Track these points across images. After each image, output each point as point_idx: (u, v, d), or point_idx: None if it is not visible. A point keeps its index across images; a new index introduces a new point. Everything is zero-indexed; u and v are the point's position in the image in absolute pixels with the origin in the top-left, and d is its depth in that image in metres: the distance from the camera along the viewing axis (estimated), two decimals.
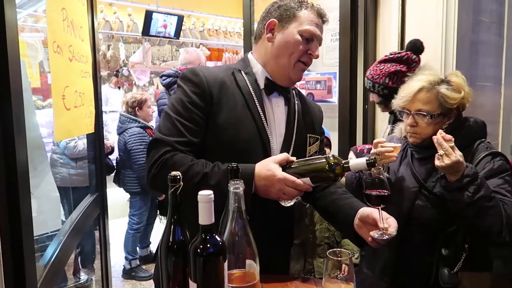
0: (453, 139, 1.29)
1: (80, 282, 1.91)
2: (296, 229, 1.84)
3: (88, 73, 1.77)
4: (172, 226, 0.79)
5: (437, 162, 1.29)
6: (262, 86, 1.26)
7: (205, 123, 1.18)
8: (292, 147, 1.26)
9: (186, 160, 1.11)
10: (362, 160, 1.04)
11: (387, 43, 2.35)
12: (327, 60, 2.74)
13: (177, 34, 5.06)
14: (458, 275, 1.36)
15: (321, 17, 1.25)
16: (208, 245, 0.73)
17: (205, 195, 0.73)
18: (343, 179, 1.63)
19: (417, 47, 1.93)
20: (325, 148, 1.86)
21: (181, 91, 1.20)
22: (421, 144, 1.47)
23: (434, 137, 1.30)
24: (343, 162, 1.06)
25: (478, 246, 1.38)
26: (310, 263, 1.90)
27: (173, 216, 0.79)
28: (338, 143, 2.40)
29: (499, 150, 1.68)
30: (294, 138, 1.27)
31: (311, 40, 1.23)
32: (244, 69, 1.28)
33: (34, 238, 1.32)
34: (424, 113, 1.41)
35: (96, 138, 1.91)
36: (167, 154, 1.11)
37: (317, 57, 1.26)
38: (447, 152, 1.26)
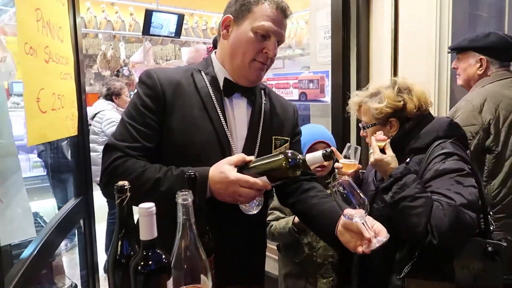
0: (387, 139, 1.43)
1: (63, 287, 1.88)
2: (296, 247, 1.79)
3: (69, 75, 1.74)
4: (120, 240, 0.75)
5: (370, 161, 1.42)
6: (221, 87, 1.20)
7: (159, 127, 1.13)
8: (256, 150, 1.20)
9: (138, 165, 1.06)
10: (319, 154, 0.98)
11: (380, 40, 2.28)
12: (320, 59, 2.67)
13: (178, 33, 5.03)
14: (405, 281, 1.32)
15: (282, 11, 1.16)
16: (150, 262, 0.68)
17: (145, 208, 0.68)
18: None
19: None
20: (332, 148, 1.79)
21: (136, 95, 1.16)
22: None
23: (371, 137, 1.46)
24: (299, 157, 1.00)
25: (429, 252, 1.33)
26: (312, 284, 1.80)
27: (121, 229, 0.75)
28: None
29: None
30: (258, 141, 1.21)
31: (267, 37, 1.14)
32: (205, 69, 1.22)
33: (4, 246, 1.30)
34: (364, 125, 1.57)
35: (79, 140, 1.88)
36: (118, 160, 1.07)
37: (273, 56, 1.17)
38: (374, 150, 1.41)
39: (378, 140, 1.43)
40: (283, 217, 1.79)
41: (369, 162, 1.42)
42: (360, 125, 1.56)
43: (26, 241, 1.46)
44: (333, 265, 1.78)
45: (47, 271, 1.82)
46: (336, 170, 1.57)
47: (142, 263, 0.68)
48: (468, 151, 1.51)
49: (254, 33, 1.13)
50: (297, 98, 2.81)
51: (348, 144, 1.58)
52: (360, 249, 1.00)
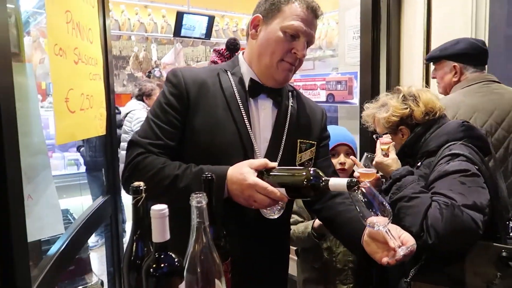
0: (391, 142, 1.50)
1: (90, 284, 1.93)
2: (315, 251, 1.75)
3: (98, 75, 1.78)
4: (135, 241, 0.75)
5: None
6: (247, 87, 1.18)
7: (182, 126, 1.12)
8: (280, 153, 1.17)
9: (158, 162, 1.06)
10: (343, 181, 0.90)
11: (412, 40, 2.20)
12: (349, 59, 2.61)
13: (208, 34, 5.08)
14: (411, 284, 1.29)
15: (313, 11, 1.12)
16: (162, 265, 0.67)
17: (157, 210, 0.68)
18: None
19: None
20: (345, 158, 1.74)
21: (161, 93, 1.16)
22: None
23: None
24: (323, 179, 0.94)
25: (437, 256, 1.29)
26: None
27: (136, 230, 0.75)
28: (360, 147, 2.28)
29: None
30: (283, 144, 1.18)
31: (296, 37, 1.11)
32: (231, 69, 1.21)
33: (33, 242, 1.34)
34: (376, 135, 1.61)
35: (107, 139, 1.92)
36: (139, 156, 1.08)
37: (302, 56, 1.14)
38: (376, 153, 1.48)
39: (382, 143, 1.50)
40: (302, 221, 1.75)
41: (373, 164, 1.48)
42: (374, 136, 1.60)
43: (55, 237, 1.50)
44: (353, 270, 1.73)
45: (75, 267, 1.88)
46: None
47: (154, 266, 0.68)
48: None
49: (283, 33, 1.11)
50: (324, 99, 2.76)
51: (365, 154, 1.55)
52: (385, 260, 0.96)
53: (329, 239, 1.72)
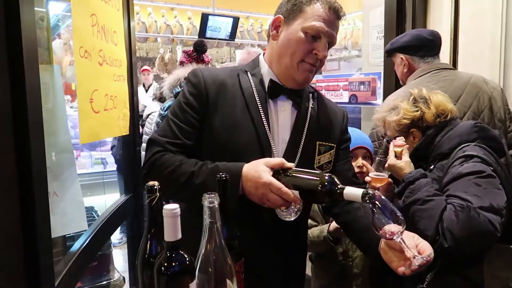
0: (405, 145, 1.47)
1: (112, 280, 1.98)
2: (330, 256, 1.72)
3: (122, 77, 1.82)
4: (149, 239, 0.76)
5: None
6: (267, 88, 1.18)
7: (201, 125, 1.13)
8: (298, 155, 1.16)
9: (175, 159, 1.08)
10: (358, 192, 0.88)
11: None
12: (373, 60, 2.57)
13: (232, 36, 5.11)
14: None
15: (335, 12, 1.11)
16: (173, 263, 0.68)
17: (170, 209, 0.68)
18: None
19: None
20: (362, 161, 1.71)
21: (181, 93, 1.18)
22: None
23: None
24: (339, 186, 0.92)
25: (454, 261, 1.26)
26: None
27: (150, 228, 0.76)
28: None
29: None
30: (301, 145, 1.17)
31: (317, 38, 1.10)
32: (252, 70, 1.21)
33: (58, 238, 1.38)
34: (387, 139, 1.57)
35: (130, 139, 1.96)
36: (157, 154, 1.10)
37: (323, 57, 1.12)
38: (389, 155, 1.45)
39: (396, 146, 1.47)
40: (316, 225, 1.73)
41: (386, 167, 1.46)
42: (385, 140, 1.57)
43: (79, 234, 1.55)
44: (371, 275, 1.69)
45: (97, 263, 1.93)
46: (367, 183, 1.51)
47: (165, 264, 0.69)
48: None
49: (304, 33, 1.10)
50: (347, 100, 2.72)
51: (377, 158, 1.51)
52: (401, 270, 0.93)
53: (345, 243, 1.69)
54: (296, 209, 1.01)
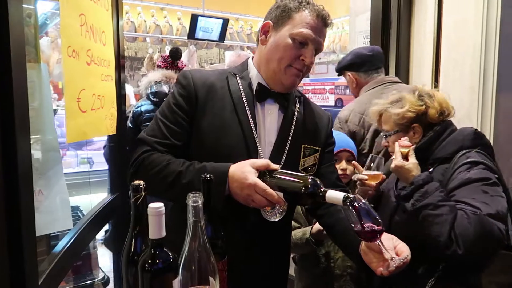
0: (411, 146, 1.40)
1: (96, 279, 1.98)
2: (313, 258, 1.75)
3: (110, 77, 1.82)
4: (134, 237, 0.78)
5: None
6: (255, 92, 1.21)
7: (189, 126, 1.15)
8: (284, 157, 1.19)
9: (163, 159, 1.10)
10: (340, 195, 0.91)
11: (422, 46, 2.20)
12: None
13: (222, 37, 5.12)
14: None
15: (323, 19, 1.15)
16: (157, 260, 0.70)
17: (154, 208, 0.70)
18: None
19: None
20: (347, 164, 1.74)
21: (171, 94, 1.20)
22: None
23: (395, 142, 1.42)
24: (321, 189, 0.94)
25: (455, 265, 1.27)
26: None
27: (135, 227, 0.78)
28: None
29: None
30: (287, 148, 1.20)
31: (305, 44, 1.14)
32: (240, 73, 1.24)
33: (42, 236, 1.38)
34: (385, 133, 1.54)
35: (117, 139, 1.97)
36: (146, 153, 1.12)
37: (310, 63, 1.16)
38: (395, 156, 1.38)
39: (401, 146, 1.41)
40: (298, 227, 1.75)
41: (390, 168, 1.39)
42: (381, 134, 1.55)
43: (64, 233, 1.55)
44: (352, 276, 1.73)
45: (82, 262, 1.93)
46: (357, 182, 1.53)
47: (149, 261, 0.70)
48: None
49: (292, 40, 1.13)
50: (333, 104, 2.77)
51: (371, 155, 1.54)
52: (379, 271, 0.97)
53: (327, 245, 1.72)
54: (281, 210, 1.04)
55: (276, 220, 1.06)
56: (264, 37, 1.20)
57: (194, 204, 0.75)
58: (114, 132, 1.85)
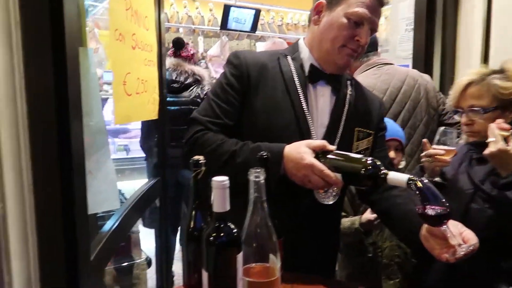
0: (511, 129, 1.20)
1: (138, 260, 2.02)
2: (359, 247, 1.70)
3: (152, 62, 1.85)
4: (194, 212, 0.78)
5: (485, 151, 1.18)
6: (307, 73, 1.19)
7: (241, 106, 1.15)
8: (337, 140, 1.17)
9: (216, 138, 1.10)
10: (404, 177, 0.87)
11: (469, 35, 2.09)
12: (400, 52, 2.54)
13: (254, 28, 5.10)
14: None
15: None
16: (221, 234, 0.70)
17: (219, 181, 0.70)
18: None
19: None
20: (395, 153, 1.68)
21: (222, 74, 1.20)
22: (480, 142, 1.30)
23: (489, 124, 1.21)
24: (383, 171, 0.91)
25: None
26: (377, 286, 1.70)
27: (194, 201, 0.78)
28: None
29: None
30: (340, 131, 1.18)
31: (360, 24, 1.11)
32: (292, 54, 1.22)
33: (94, 215, 1.42)
34: (477, 109, 1.31)
35: (159, 124, 2.00)
36: (199, 133, 1.12)
37: (365, 44, 1.13)
38: (496, 139, 1.17)
39: (501, 128, 1.21)
40: (345, 216, 1.72)
41: (486, 152, 1.19)
42: (475, 109, 1.32)
43: (109, 214, 1.59)
44: (399, 265, 1.69)
45: (125, 244, 1.97)
46: (428, 158, 1.38)
47: (214, 235, 0.70)
48: None
49: (347, 19, 1.11)
50: None
51: (441, 128, 1.39)
52: (444, 257, 0.93)
53: (374, 234, 1.69)
54: (334, 193, 1.03)
55: (330, 203, 1.05)
56: (317, 17, 1.17)
57: (256, 180, 0.74)
58: (156, 117, 1.88)
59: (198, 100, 2.96)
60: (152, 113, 1.84)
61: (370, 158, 0.95)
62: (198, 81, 3.07)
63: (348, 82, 1.25)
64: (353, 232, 1.62)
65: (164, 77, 2.01)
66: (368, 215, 1.58)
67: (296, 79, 1.17)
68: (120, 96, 1.47)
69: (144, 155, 3.22)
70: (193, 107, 2.92)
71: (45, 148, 1.04)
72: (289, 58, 1.21)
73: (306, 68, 1.19)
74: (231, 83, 1.16)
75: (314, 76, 1.19)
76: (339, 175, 0.97)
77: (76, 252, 1.13)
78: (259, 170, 0.75)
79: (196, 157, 0.78)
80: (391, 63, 2.06)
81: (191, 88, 3.02)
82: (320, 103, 1.19)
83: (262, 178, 0.75)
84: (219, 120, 1.14)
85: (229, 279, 0.70)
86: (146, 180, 2.03)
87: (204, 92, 3.02)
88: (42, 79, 1.02)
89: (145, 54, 1.75)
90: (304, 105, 1.15)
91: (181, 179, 2.86)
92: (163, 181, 1.98)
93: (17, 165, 0.89)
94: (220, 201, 0.70)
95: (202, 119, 1.14)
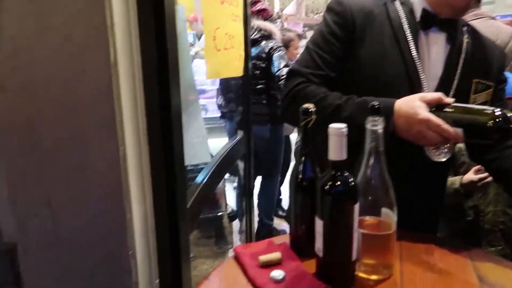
0: None
1: (225, 213, 2.12)
2: (458, 210, 1.61)
3: (238, 17, 1.82)
4: (302, 161, 0.76)
5: None
6: (418, 18, 1.08)
7: (344, 57, 1.08)
8: (451, 93, 1.06)
9: (319, 91, 1.05)
10: None
11: None
12: (510, 1, 2.24)
13: None
14: None
15: None
16: (338, 183, 0.67)
17: (337, 128, 0.67)
18: None
19: None
20: None
21: (323, 23, 1.13)
22: None
23: None
24: None
25: None
26: None
27: (303, 150, 0.76)
28: None
29: None
30: (455, 82, 1.07)
31: None
32: None
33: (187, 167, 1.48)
34: None
35: (244, 80, 2.00)
36: (300, 85, 1.07)
37: None
38: None
39: None
40: None
41: None
42: None
43: (197, 168, 1.65)
44: (504, 232, 1.56)
45: (214, 196, 2.07)
46: None
47: (330, 183, 0.68)
48: None
49: None
50: None
51: None
52: None
53: (476, 197, 1.57)
54: (445, 150, 0.95)
55: (442, 160, 0.97)
56: None
57: (374, 128, 0.70)
58: (242, 74, 1.87)
59: (263, 55, 2.93)
60: (238, 69, 1.84)
61: (498, 109, 0.85)
62: (265, 37, 3.01)
63: (464, 29, 1.12)
64: (452, 192, 1.52)
65: (249, 33, 1.98)
66: (472, 175, 1.47)
67: (405, 26, 1.07)
68: (211, 51, 1.48)
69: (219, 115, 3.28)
70: (258, 62, 2.92)
71: (148, 100, 1.09)
72: (397, 2, 1.10)
73: (417, 13, 1.08)
74: (334, 32, 1.08)
75: (427, 22, 1.07)
76: (459, 130, 0.88)
77: (175, 200, 1.19)
78: (377, 118, 0.70)
79: (306, 105, 0.75)
80: (493, 17, 1.96)
81: (258, 43, 2.99)
82: (433, 52, 1.08)
83: (380, 127, 0.70)
84: (321, 71, 1.08)
85: (346, 229, 0.68)
86: (224, 139, 2.07)
87: (269, 47, 2.96)
88: (147, 35, 1.04)
89: (232, 9, 1.74)
90: (415, 54, 1.05)
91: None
92: (247, 137, 2.00)
93: (134, 115, 0.94)
94: (337, 149, 0.67)
95: (304, 71, 1.09)
